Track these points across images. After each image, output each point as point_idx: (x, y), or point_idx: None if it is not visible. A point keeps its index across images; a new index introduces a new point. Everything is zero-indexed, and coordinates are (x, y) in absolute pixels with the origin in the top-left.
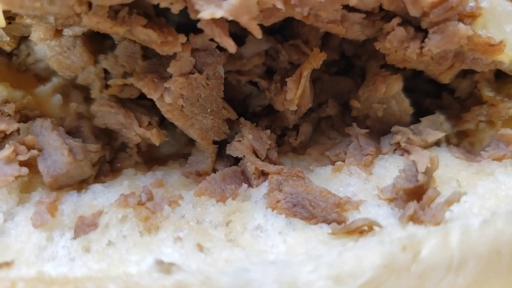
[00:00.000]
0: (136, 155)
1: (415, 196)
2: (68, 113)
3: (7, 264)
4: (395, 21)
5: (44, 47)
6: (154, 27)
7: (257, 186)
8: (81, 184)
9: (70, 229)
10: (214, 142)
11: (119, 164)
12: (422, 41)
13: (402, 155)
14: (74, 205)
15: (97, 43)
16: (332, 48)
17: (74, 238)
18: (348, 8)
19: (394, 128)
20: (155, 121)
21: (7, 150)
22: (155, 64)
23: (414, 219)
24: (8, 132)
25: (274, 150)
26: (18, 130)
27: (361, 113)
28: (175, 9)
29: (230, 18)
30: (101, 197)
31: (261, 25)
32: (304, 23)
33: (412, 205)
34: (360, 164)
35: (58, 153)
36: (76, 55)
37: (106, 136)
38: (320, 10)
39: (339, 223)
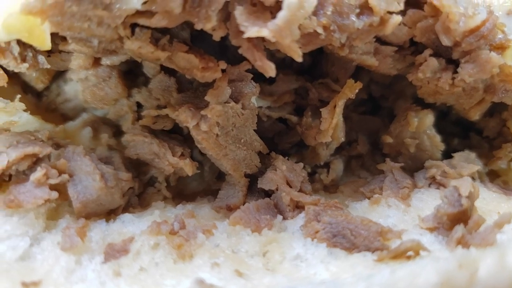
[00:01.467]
0: (165, 190)
1: (459, 222)
2: (98, 145)
3: (34, 284)
4: (427, 52)
5: (76, 85)
6: (195, 54)
7: (292, 218)
8: (109, 215)
9: (100, 254)
10: (245, 176)
11: (147, 199)
12: (454, 72)
13: (438, 188)
14: (102, 232)
15: (130, 80)
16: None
17: (104, 262)
18: (380, 42)
19: (427, 163)
20: (188, 152)
21: (39, 172)
22: (190, 96)
23: (463, 243)
24: (41, 155)
25: (307, 183)
26: (49, 156)
27: (393, 149)
28: (217, 35)
29: (273, 40)
30: (131, 225)
31: (291, 64)
32: (333, 62)
33: (460, 229)
34: (398, 196)
35: (89, 178)
36: (110, 86)
37: (136, 169)
38: (357, 40)
39: (382, 251)
